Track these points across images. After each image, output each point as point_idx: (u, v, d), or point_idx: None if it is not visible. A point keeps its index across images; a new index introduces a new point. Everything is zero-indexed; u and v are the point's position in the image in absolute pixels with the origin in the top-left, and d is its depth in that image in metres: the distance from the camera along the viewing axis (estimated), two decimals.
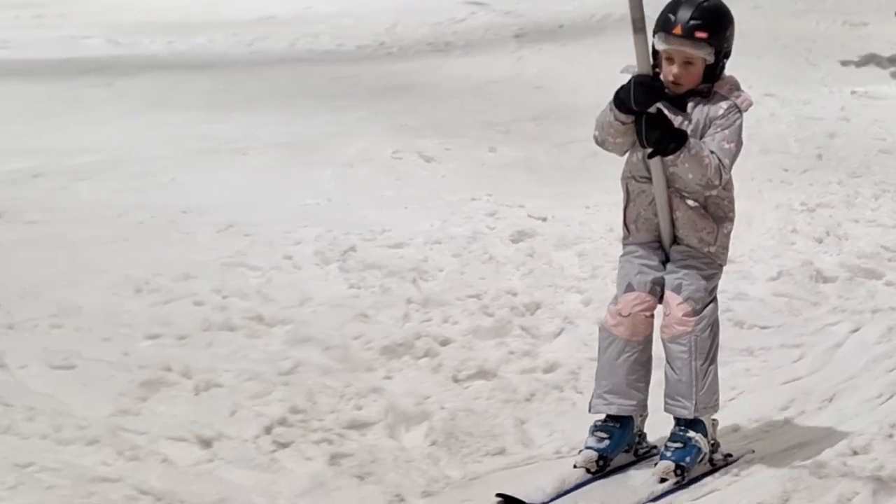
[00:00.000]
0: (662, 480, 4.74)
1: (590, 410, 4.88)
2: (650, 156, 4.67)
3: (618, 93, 4.64)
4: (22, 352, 5.35)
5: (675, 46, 4.65)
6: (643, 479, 4.76)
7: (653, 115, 4.61)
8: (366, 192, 8.40)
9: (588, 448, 4.80)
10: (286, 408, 5.03)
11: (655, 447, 4.97)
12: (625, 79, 4.65)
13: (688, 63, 4.67)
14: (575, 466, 4.78)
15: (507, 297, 6.30)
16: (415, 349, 5.74)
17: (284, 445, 4.86)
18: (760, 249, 7.34)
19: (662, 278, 4.85)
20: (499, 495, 4.59)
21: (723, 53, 4.75)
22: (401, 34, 15.06)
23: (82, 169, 8.23)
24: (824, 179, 9.00)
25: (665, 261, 4.88)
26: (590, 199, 8.37)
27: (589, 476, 4.76)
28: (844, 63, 13.49)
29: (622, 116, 4.64)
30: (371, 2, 16.61)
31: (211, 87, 11.40)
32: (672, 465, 4.74)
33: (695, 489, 4.70)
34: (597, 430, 4.85)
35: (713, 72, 4.71)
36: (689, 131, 4.66)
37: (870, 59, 13.77)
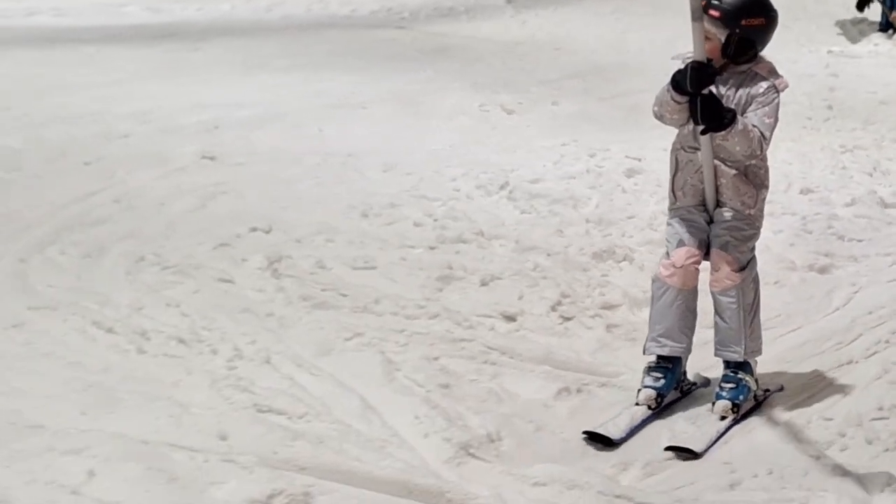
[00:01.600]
0: (722, 418, 5.44)
1: (644, 352, 5.60)
2: (703, 132, 5.27)
3: (675, 76, 5.22)
4: (324, 258, 6.95)
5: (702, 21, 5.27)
6: (704, 418, 5.45)
7: (706, 97, 5.19)
8: (474, 139, 10.07)
9: (646, 387, 5.53)
10: (557, 293, 6.77)
11: (695, 384, 5.77)
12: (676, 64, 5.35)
13: (708, 38, 5.29)
14: (637, 404, 5.50)
15: (660, 217, 8.03)
16: (615, 255, 7.44)
17: (568, 318, 6.61)
18: (828, 181, 9.18)
19: (707, 237, 5.50)
20: (585, 432, 5.30)
21: (737, 37, 5.31)
22: (402, 1, 16.65)
23: (247, 121, 9.81)
24: (847, 126, 10.86)
25: (709, 222, 5.52)
26: (657, 143, 10.12)
27: (650, 412, 5.48)
28: (812, 25, 15.49)
29: (678, 97, 5.25)
30: None
31: (282, 50, 12.96)
32: (729, 404, 5.47)
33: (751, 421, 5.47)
34: (652, 371, 5.58)
35: (725, 52, 5.32)
36: (733, 107, 5.28)
37: (833, 21, 15.81)
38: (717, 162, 5.42)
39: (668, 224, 5.63)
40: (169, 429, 4.93)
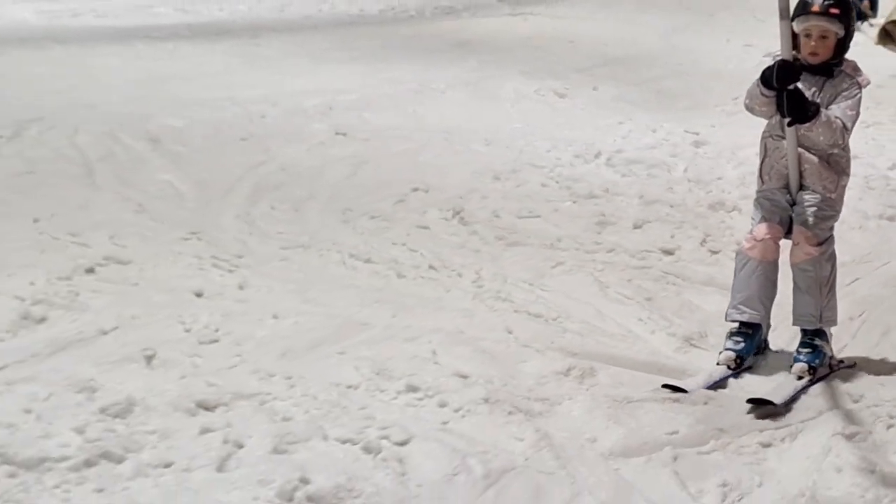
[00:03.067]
0: (799, 378, 5.94)
1: (726, 319, 6.15)
2: (789, 124, 5.82)
3: (764, 72, 5.77)
4: (495, 209, 8.50)
5: (814, 22, 5.84)
6: (783, 377, 5.98)
7: (791, 92, 5.72)
8: (543, 118, 11.69)
9: (727, 349, 6.09)
10: (699, 233, 8.32)
11: (775, 352, 6.32)
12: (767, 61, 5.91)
13: (823, 37, 5.86)
14: (717, 364, 6.05)
15: (747, 177, 9.56)
16: (725, 206, 9.04)
17: (715, 252, 8.09)
18: (868, 149, 10.94)
19: (789, 216, 6.05)
20: (664, 385, 5.82)
21: (850, 32, 5.95)
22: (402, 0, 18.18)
23: (353, 104, 11.34)
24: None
25: (791, 203, 6.06)
26: (701, 121, 11.83)
27: (729, 372, 6.01)
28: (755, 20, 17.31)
29: (767, 91, 5.79)
30: None
31: (335, 44, 14.46)
32: (806, 366, 5.98)
33: (824, 384, 6.01)
34: (733, 335, 6.12)
35: (843, 46, 5.92)
36: (818, 102, 5.82)
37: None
38: (801, 149, 5.96)
39: (755, 204, 6.21)
40: (469, 326, 6.47)
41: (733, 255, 7.70)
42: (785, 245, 6.12)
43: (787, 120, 5.83)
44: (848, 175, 6.12)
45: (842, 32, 5.90)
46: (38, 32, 14.47)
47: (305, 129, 10.28)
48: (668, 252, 7.89)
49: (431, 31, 15.82)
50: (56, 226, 7.63)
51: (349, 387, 5.64)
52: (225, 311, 6.45)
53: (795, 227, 6.03)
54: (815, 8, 5.85)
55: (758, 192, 6.21)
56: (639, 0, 18.31)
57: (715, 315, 6.85)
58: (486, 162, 9.73)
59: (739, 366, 6.07)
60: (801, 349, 6.07)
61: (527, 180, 9.37)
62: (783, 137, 6.00)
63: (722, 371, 6.03)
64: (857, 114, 5.94)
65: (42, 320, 6.21)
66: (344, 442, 5.17)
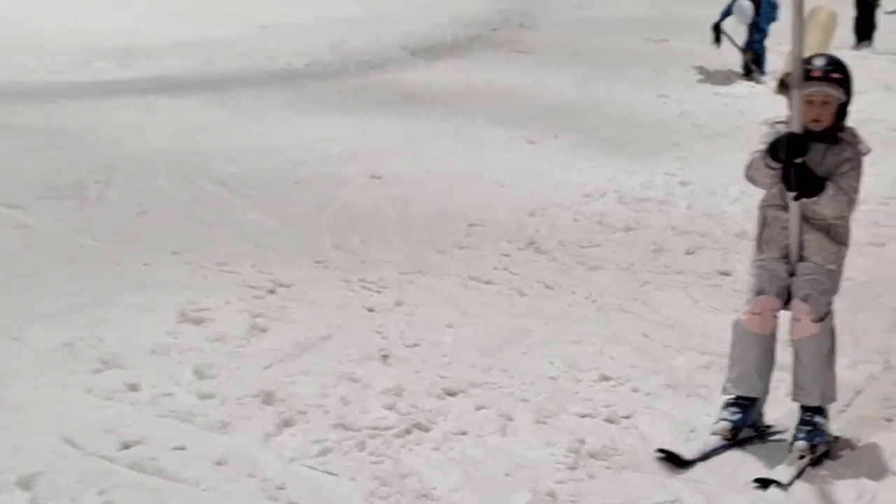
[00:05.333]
0: (800, 457, 5.95)
1: (722, 392, 6.22)
2: (796, 198, 5.88)
3: (772, 144, 5.83)
4: (558, 240, 10.12)
5: (816, 88, 5.84)
6: (784, 455, 6.03)
7: (799, 166, 5.77)
8: (533, 162, 13.15)
9: (723, 420, 6.16)
10: (744, 256, 10.07)
11: (771, 426, 6.33)
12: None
13: (825, 103, 5.87)
14: (712, 434, 6.14)
15: (749, 211, 11.32)
16: (748, 235, 10.66)
17: None
18: None
19: (787, 287, 6.02)
20: (658, 450, 6.06)
21: (850, 97, 5.98)
22: (336, 53, 19.54)
23: (367, 152, 12.80)
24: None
25: (790, 273, 6.05)
26: (657, 167, 13.44)
27: (724, 443, 6.12)
28: (685, 71, 19.31)
29: (773, 164, 5.83)
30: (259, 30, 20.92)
31: (296, 97, 15.81)
32: (807, 445, 5.97)
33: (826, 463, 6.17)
34: (729, 406, 6.19)
35: (844, 111, 5.94)
36: (821, 171, 5.86)
37: (695, 69, 19.61)
38: (803, 219, 5.97)
39: (751, 274, 6.23)
40: (612, 331, 8.06)
41: None
42: (783, 316, 6.20)
43: (793, 194, 5.92)
44: (848, 246, 6.13)
45: (843, 97, 5.94)
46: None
47: (342, 173, 11.65)
48: (726, 273, 9.45)
49: (372, 84, 17.21)
50: (197, 257, 8.89)
51: (552, 378, 7.12)
52: (404, 323, 7.87)
53: (795, 302, 6.01)
54: (817, 73, 5.90)
55: (755, 261, 6.25)
56: (539, 55, 19.99)
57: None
58: (514, 200, 11.21)
59: (735, 437, 6.18)
60: (801, 427, 6.09)
61: (558, 216, 10.87)
62: (784, 208, 6.04)
63: (717, 441, 6.14)
64: (860, 183, 6.01)
65: (264, 330, 7.53)
66: (583, 416, 6.65)
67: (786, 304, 6.09)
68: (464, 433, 6.35)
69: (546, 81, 17.81)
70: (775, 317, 6.08)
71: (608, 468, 6.06)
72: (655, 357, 7.63)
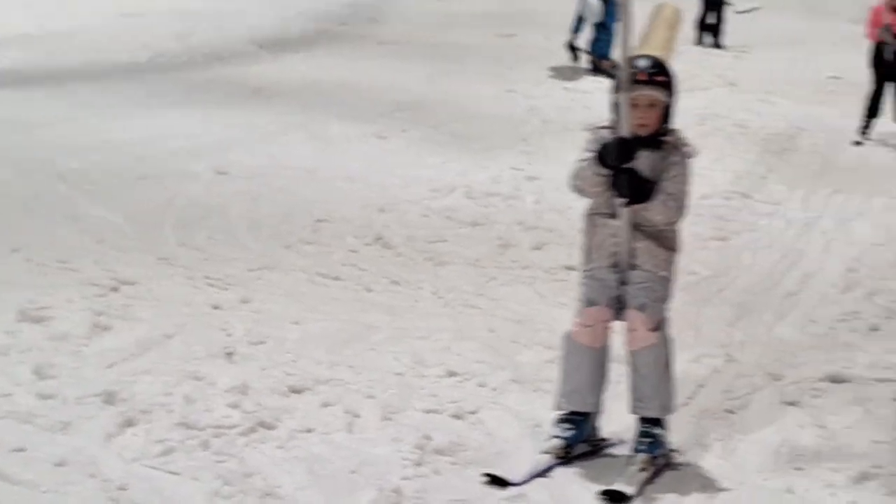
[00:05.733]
0: (641, 470, 5.80)
1: (555, 408, 6.00)
2: (626, 205, 5.72)
3: (600, 151, 5.70)
4: (407, 235, 10.15)
5: (641, 91, 5.72)
6: (624, 468, 5.85)
7: (629, 171, 5.65)
8: (383, 158, 13.16)
9: (555, 437, 5.95)
10: None
11: (605, 440, 6.17)
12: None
13: (651, 106, 5.76)
14: (544, 453, 5.90)
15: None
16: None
17: None
18: None
19: (619, 297, 5.87)
20: (484, 474, 5.78)
21: (675, 100, 5.88)
22: (182, 46, 19.35)
23: (211, 147, 12.69)
24: None
25: (621, 282, 5.89)
26: (505, 161, 13.53)
27: (556, 461, 5.89)
28: (533, 66, 19.47)
29: (603, 170, 5.69)
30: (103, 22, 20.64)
31: (143, 91, 15.64)
32: (649, 457, 5.85)
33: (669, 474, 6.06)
34: (561, 422, 5.97)
35: (669, 114, 5.85)
36: (649, 176, 5.74)
37: (543, 64, 19.76)
38: (633, 227, 5.83)
39: (581, 283, 6.01)
40: (460, 327, 8.11)
41: None
42: (616, 326, 6.05)
43: (623, 200, 5.78)
44: (678, 252, 6.01)
45: (668, 100, 5.84)
46: None
47: (187, 168, 11.55)
48: (572, 268, 9.34)
49: (219, 78, 17.08)
50: (37, 254, 8.78)
51: (398, 374, 7.16)
52: (250, 320, 7.84)
53: (630, 312, 5.87)
54: (642, 76, 5.77)
55: (584, 271, 6.04)
56: (388, 50, 20.03)
57: None
58: (362, 196, 11.23)
59: (568, 454, 5.98)
60: (641, 439, 5.94)
61: (407, 211, 10.91)
62: (612, 215, 5.88)
63: (548, 460, 5.92)
64: (689, 186, 5.92)
65: (107, 329, 7.45)
66: (430, 412, 6.69)
67: (617, 314, 5.96)
68: (310, 431, 6.33)
69: (395, 76, 17.81)
70: (607, 328, 5.95)
71: (454, 464, 6.07)
72: (502, 352, 7.69)
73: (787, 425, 6.84)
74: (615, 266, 5.90)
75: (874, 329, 8.55)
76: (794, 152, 14.60)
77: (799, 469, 6.29)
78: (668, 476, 6.00)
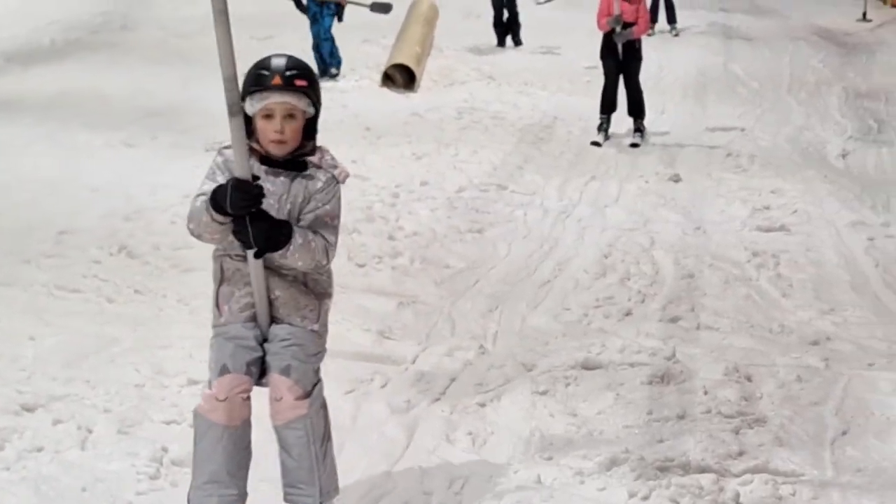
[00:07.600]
0: None
1: (188, 503, 4.84)
2: (256, 255, 4.65)
3: (214, 195, 4.54)
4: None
5: (276, 99, 4.64)
6: None
7: (255, 216, 4.55)
8: (128, 167, 12.96)
9: None
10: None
11: None
12: None
13: (289, 116, 4.66)
14: None
15: None
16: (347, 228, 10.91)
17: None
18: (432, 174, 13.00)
19: (259, 359, 4.80)
20: None
21: (319, 110, 4.79)
22: None
23: None
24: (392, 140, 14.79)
25: (262, 341, 4.82)
26: None
27: None
28: None
29: (219, 217, 4.56)
30: None
31: None
32: None
33: None
34: None
35: (313, 126, 4.78)
36: (288, 208, 4.72)
37: None
38: (269, 273, 4.80)
39: (211, 346, 4.91)
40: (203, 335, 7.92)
41: (376, 263, 9.50)
42: (259, 394, 5.01)
43: (253, 251, 4.72)
44: (331, 297, 5.04)
45: (311, 111, 4.78)
46: None
47: None
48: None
49: None
50: None
51: (137, 385, 6.95)
52: None
53: (274, 377, 4.84)
54: (276, 80, 4.67)
55: (215, 328, 4.97)
56: (140, 57, 19.66)
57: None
58: (107, 206, 10.94)
59: None
60: None
61: (154, 219, 10.66)
62: (245, 257, 4.81)
63: None
64: (339, 217, 4.91)
65: None
66: (169, 423, 6.51)
67: (259, 379, 4.90)
68: (40, 450, 6.11)
69: (146, 83, 17.52)
70: (246, 399, 4.83)
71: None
72: None
73: (538, 415, 6.85)
74: (253, 320, 4.88)
75: (627, 314, 8.60)
76: (550, 142, 14.72)
77: (549, 458, 6.31)
78: (408, 472, 5.89)
